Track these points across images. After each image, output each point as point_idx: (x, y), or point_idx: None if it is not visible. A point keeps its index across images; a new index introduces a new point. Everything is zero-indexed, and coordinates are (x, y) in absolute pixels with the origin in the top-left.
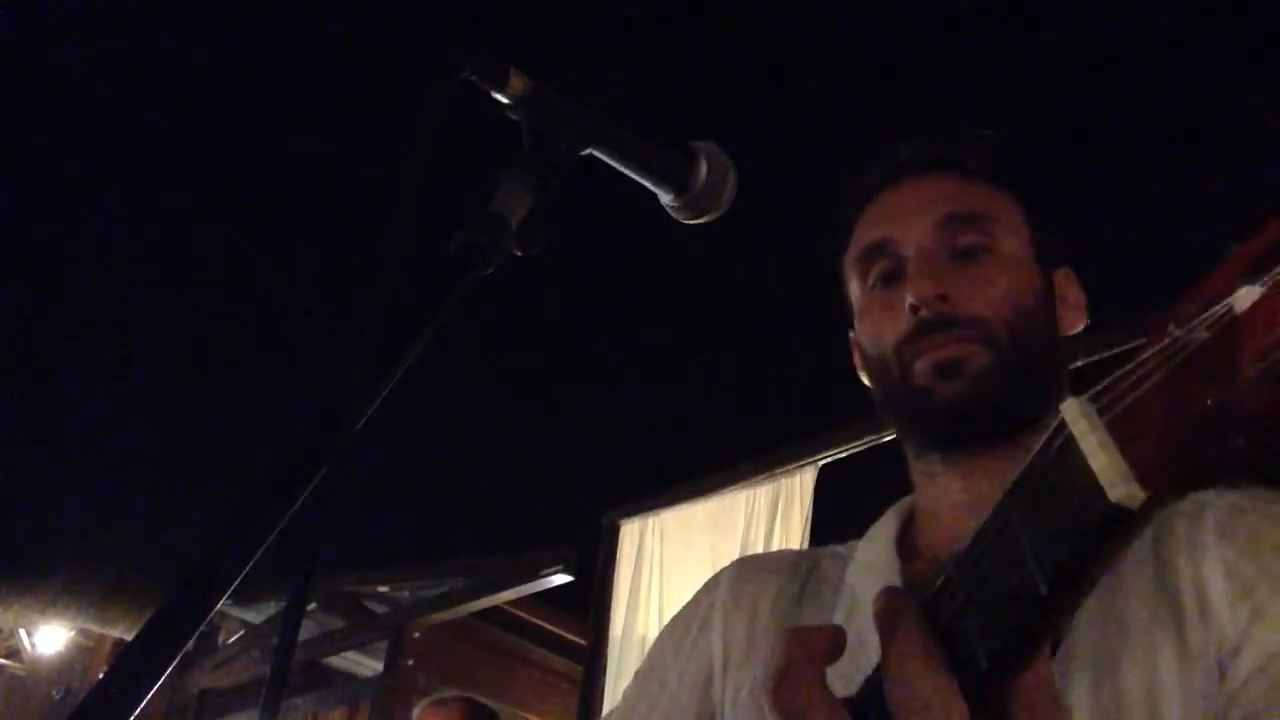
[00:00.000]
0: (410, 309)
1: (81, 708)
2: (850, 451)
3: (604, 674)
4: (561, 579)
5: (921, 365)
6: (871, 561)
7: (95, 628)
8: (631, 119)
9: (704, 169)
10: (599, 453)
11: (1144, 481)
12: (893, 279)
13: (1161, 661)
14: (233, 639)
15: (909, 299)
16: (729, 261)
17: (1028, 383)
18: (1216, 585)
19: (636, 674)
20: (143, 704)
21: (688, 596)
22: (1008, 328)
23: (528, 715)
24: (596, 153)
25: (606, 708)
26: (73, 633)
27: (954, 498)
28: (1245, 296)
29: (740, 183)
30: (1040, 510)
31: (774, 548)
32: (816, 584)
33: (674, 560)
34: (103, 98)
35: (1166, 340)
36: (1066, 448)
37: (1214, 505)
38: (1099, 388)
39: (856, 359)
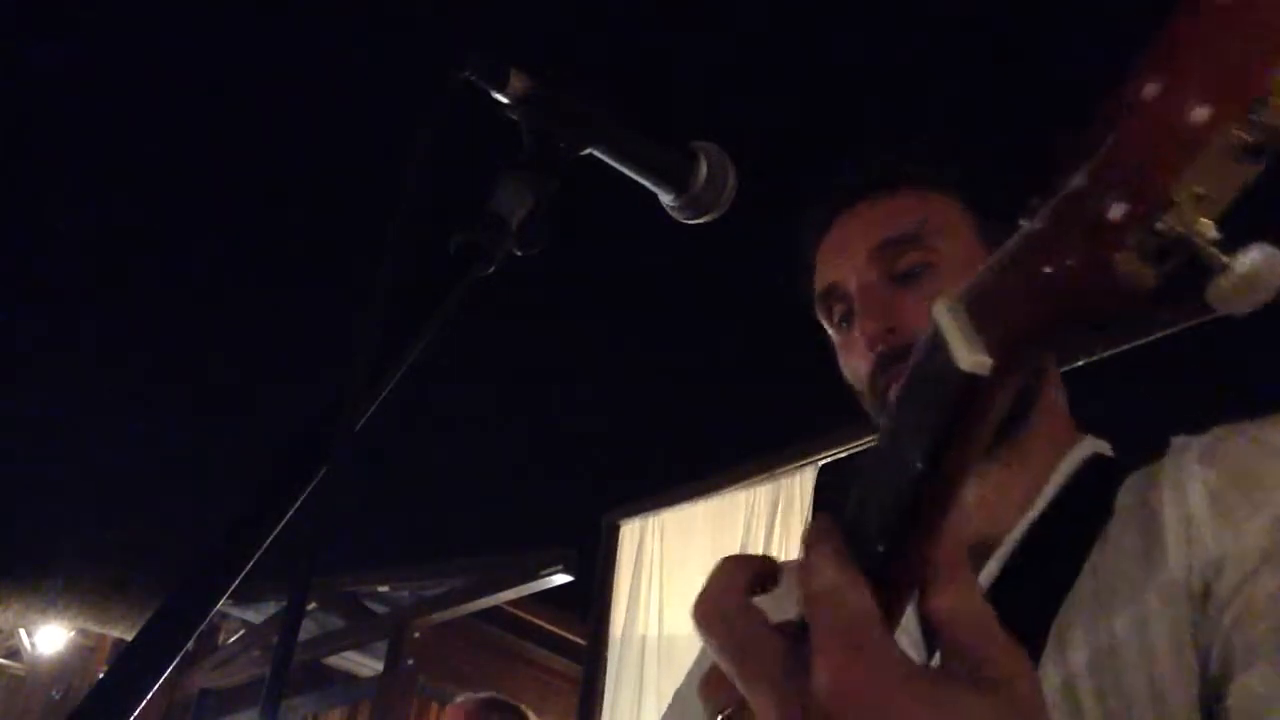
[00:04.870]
0: (410, 309)
1: (81, 708)
2: (850, 451)
3: (604, 674)
4: (561, 579)
5: (892, 395)
6: None
7: (95, 628)
8: (631, 119)
9: (704, 169)
10: (599, 453)
11: (990, 349)
12: (850, 319)
13: (1149, 592)
14: (233, 639)
15: (860, 340)
16: (729, 261)
17: None
18: (1201, 510)
19: (676, 693)
20: (143, 704)
21: (688, 596)
22: None
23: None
24: (596, 152)
25: (606, 708)
26: (73, 633)
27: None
28: (1077, 179)
29: (740, 183)
30: (914, 400)
31: (774, 548)
32: None
33: (674, 560)
34: (102, 96)
35: (1019, 233)
36: (935, 339)
37: (1198, 440)
38: (967, 283)
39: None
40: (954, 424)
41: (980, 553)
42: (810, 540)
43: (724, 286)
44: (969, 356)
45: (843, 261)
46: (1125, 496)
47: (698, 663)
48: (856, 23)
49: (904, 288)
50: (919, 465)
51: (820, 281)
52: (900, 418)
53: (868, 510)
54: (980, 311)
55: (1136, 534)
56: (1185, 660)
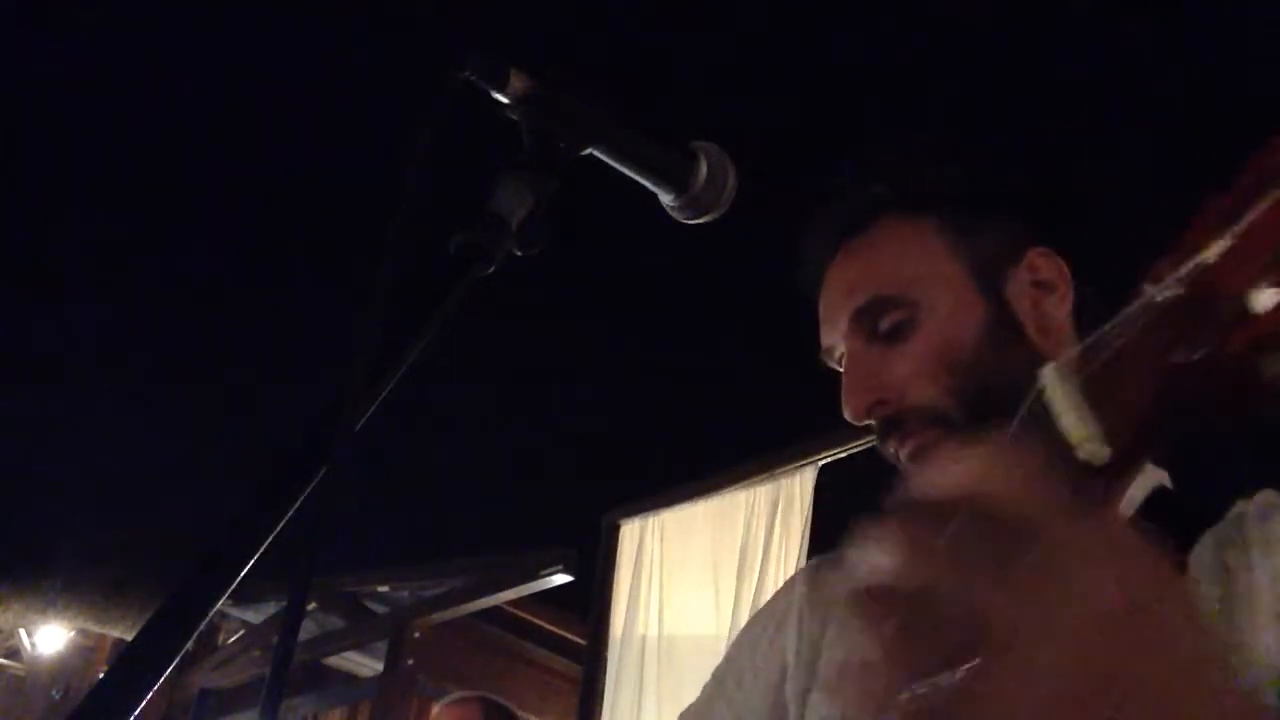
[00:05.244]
0: (410, 309)
1: (81, 708)
2: (850, 451)
3: (604, 674)
4: (561, 579)
5: (900, 457)
6: None
7: (95, 628)
8: (631, 119)
9: (704, 169)
10: (599, 453)
11: (1110, 438)
12: None
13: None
14: (233, 639)
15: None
16: (729, 261)
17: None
18: None
19: (714, 674)
20: (143, 704)
21: (688, 596)
22: (955, 394)
23: (528, 715)
24: (596, 152)
25: (606, 708)
26: (73, 633)
27: None
28: (1216, 250)
29: (740, 183)
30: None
31: (774, 548)
32: None
33: (674, 560)
34: (102, 96)
35: (1142, 300)
36: (1042, 411)
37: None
38: (1078, 349)
39: None
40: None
41: None
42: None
43: (724, 286)
44: (1087, 445)
45: (830, 327)
46: (1202, 554)
47: (746, 631)
48: (856, 22)
49: (889, 348)
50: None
51: (822, 339)
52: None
53: None
54: (1094, 390)
55: (1216, 598)
56: None
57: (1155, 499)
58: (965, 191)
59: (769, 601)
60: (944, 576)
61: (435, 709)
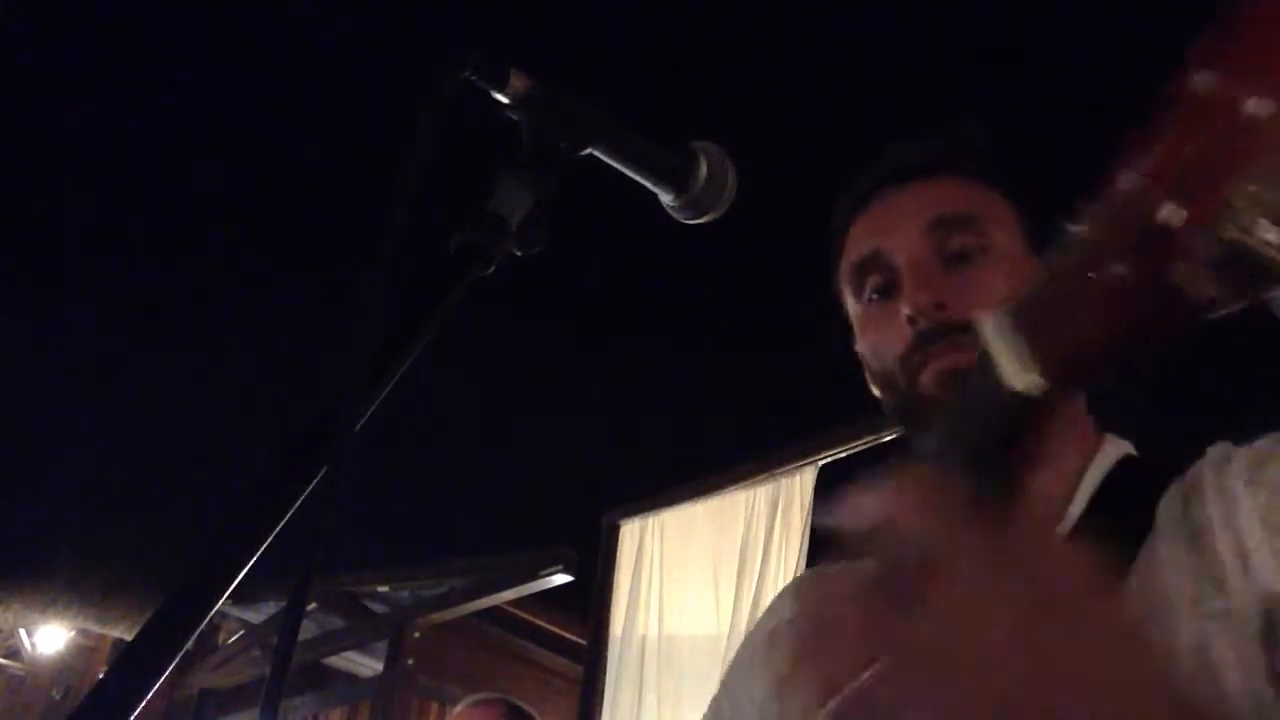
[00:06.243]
0: (410, 309)
1: (81, 708)
2: (850, 451)
3: (604, 674)
4: (561, 579)
5: (927, 376)
6: None
7: (95, 628)
8: (632, 119)
9: (704, 169)
10: (599, 453)
11: (1045, 370)
12: (888, 291)
13: (1209, 620)
14: (233, 639)
15: (905, 311)
16: (729, 261)
17: None
18: (1254, 538)
19: (711, 704)
20: (143, 704)
21: (688, 596)
22: None
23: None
24: (596, 152)
25: (606, 707)
26: (73, 633)
27: None
28: (1124, 179)
29: (740, 183)
30: (962, 419)
31: (774, 548)
32: None
33: (674, 560)
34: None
35: (1066, 236)
36: (982, 356)
37: (1238, 455)
38: (1014, 296)
39: (866, 373)
40: (999, 444)
41: None
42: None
43: (724, 287)
44: (1021, 376)
45: (891, 233)
46: (1169, 508)
47: (741, 650)
48: (860, 22)
49: (956, 269)
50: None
51: (856, 251)
52: (946, 436)
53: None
54: (1029, 325)
55: (1184, 550)
56: (1254, 690)
57: (1121, 468)
58: (1031, 181)
59: (762, 618)
60: (857, 611)
61: (458, 708)
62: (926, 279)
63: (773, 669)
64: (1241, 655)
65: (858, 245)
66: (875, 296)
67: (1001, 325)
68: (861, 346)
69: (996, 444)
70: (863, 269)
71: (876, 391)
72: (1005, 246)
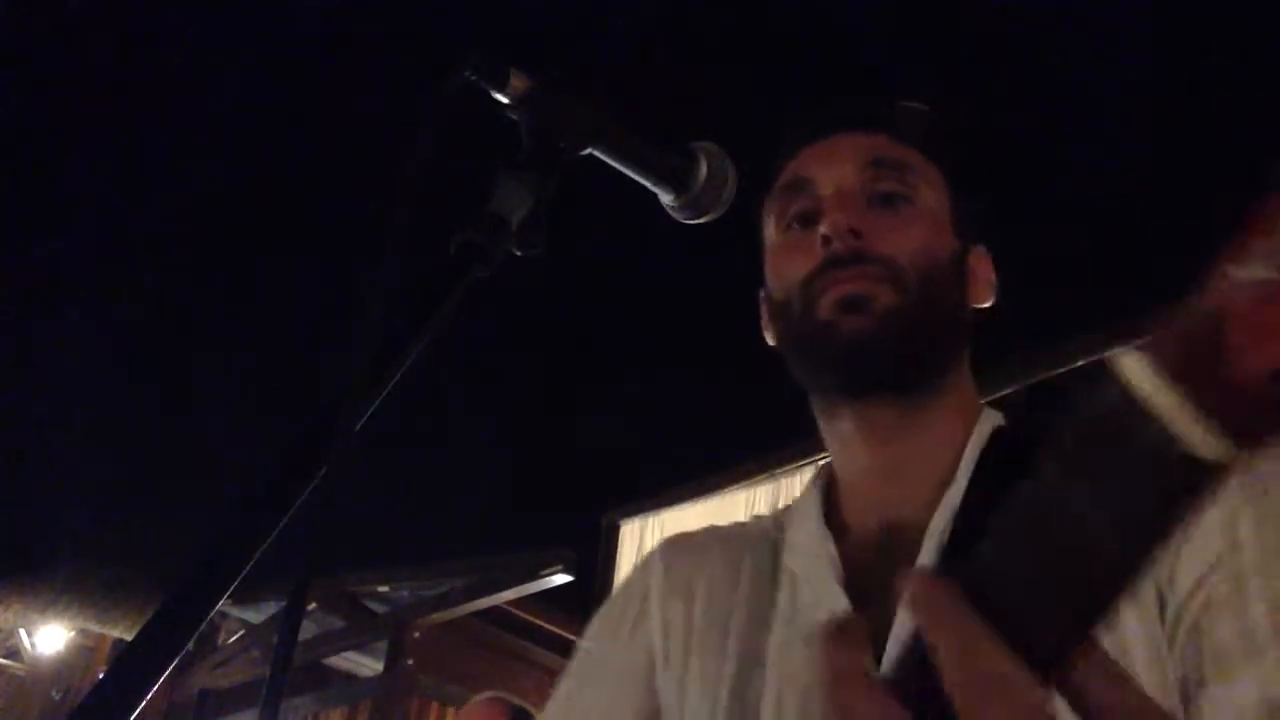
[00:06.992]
0: (410, 309)
1: (81, 708)
2: None
3: None
4: (561, 579)
5: (827, 300)
6: (806, 544)
7: (95, 628)
8: (632, 119)
9: (704, 169)
10: (599, 453)
11: (1223, 425)
12: (809, 220)
13: (1126, 612)
14: (233, 639)
15: (822, 229)
16: (729, 261)
17: (932, 335)
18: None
19: (569, 673)
20: (143, 704)
21: None
22: (918, 273)
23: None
24: (596, 153)
25: None
26: (73, 633)
27: (865, 463)
28: None
29: (740, 182)
30: (1100, 474)
31: None
32: (753, 568)
33: None
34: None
35: (1225, 283)
36: (1126, 403)
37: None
38: (1150, 338)
39: (763, 315)
40: (1170, 517)
41: (901, 532)
42: (938, 609)
43: (724, 286)
44: (1207, 440)
45: (826, 166)
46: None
47: (601, 624)
48: (854, 22)
49: (880, 210)
50: (1117, 550)
51: (788, 174)
52: (1066, 479)
53: (1020, 591)
54: (1194, 376)
55: None
56: (1162, 675)
57: (997, 439)
58: (968, 164)
59: (621, 591)
60: None
61: (465, 707)
62: (850, 207)
63: (651, 647)
64: (1150, 642)
65: (792, 171)
66: (795, 223)
67: (1154, 368)
68: (768, 273)
69: (1162, 516)
70: (788, 192)
71: (770, 334)
72: (931, 205)
